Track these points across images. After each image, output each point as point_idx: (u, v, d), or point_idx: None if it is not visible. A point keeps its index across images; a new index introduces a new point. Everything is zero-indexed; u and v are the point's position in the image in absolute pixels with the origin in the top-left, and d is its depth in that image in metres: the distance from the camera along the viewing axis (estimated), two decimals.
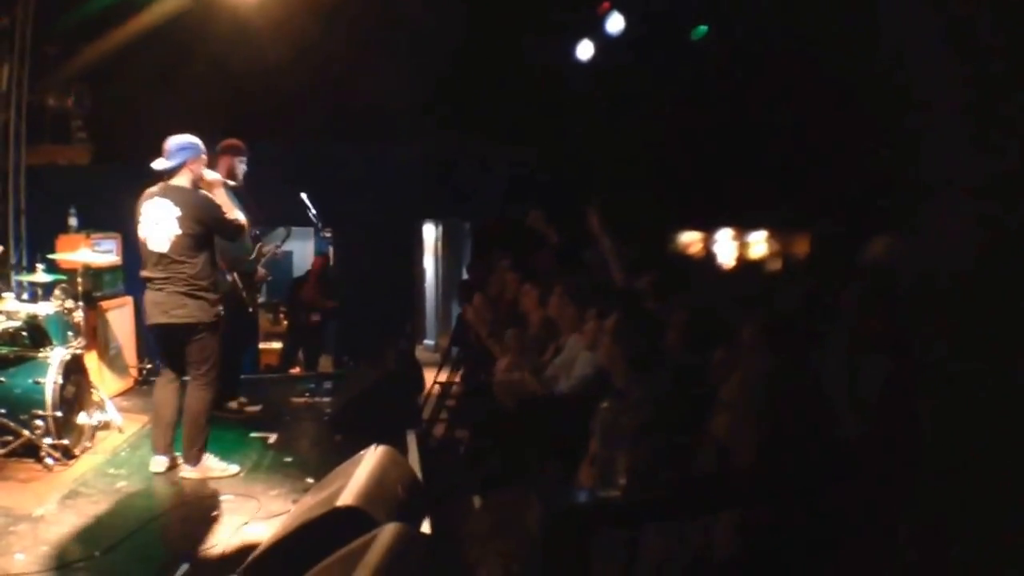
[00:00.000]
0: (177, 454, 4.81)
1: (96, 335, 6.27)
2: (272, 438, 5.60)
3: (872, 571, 2.31)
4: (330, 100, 8.88)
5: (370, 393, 5.92)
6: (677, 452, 3.05)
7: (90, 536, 3.89)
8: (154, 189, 4.71)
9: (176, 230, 4.62)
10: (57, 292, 5.50)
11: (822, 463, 2.39)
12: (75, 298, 5.74)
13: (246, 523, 4.08)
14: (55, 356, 4.92)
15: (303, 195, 6.88)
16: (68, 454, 4.81)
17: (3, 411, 4.73)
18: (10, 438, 4.71)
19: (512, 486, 4.05)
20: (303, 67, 8.20)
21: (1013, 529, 2.15)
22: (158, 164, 4.69)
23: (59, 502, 4.27)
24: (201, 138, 4.91)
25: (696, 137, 7.33)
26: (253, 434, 5.67)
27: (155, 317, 4.68)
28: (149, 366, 6.80)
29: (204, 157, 4.80)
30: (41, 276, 5.54)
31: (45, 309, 5.26)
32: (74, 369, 5.04)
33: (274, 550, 3.16)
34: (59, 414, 4.74)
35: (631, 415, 3.32)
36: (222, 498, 4.46)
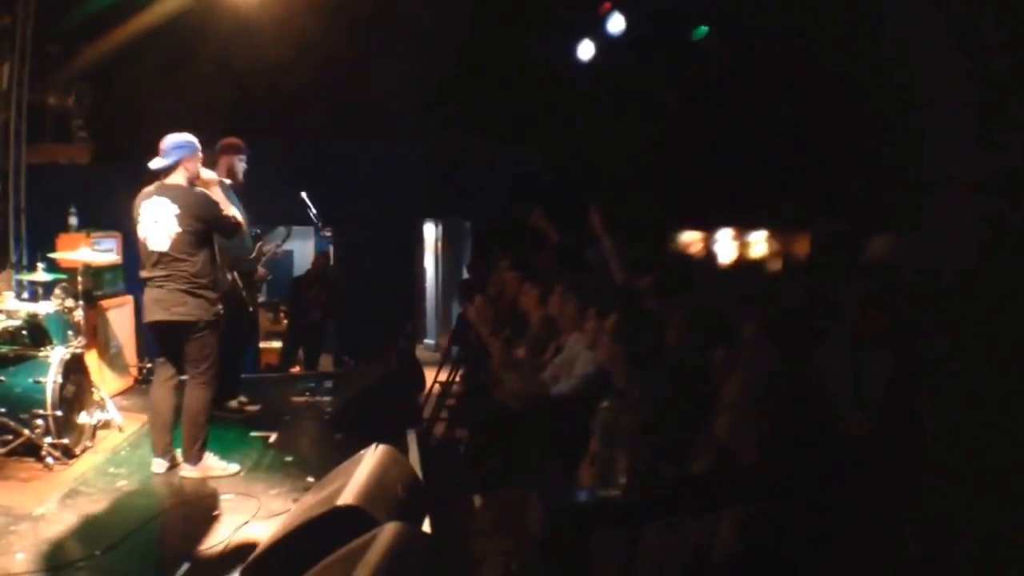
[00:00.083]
0: (177, 451, 4.80)
1: (96, 334, 6.27)
2: (272, 437, 5.59)
3: (875, 568, 2.30)
4: (332, 99, 8.89)
5: (370, 392, 5.92)
6: (677, 451, 3.04)
7: (90, 535, 3.88)
8: (150, 188, 4.71)
9: (176, 228, 4.61)
10: (57, 291, 5.49)
11: (824, 460, 2.39)
12: (75, 297, 5.73)
13: (246, 522, 4.07)
14: (55, 355, 4.92)
15: (303, 194, 6.87)
16: (68, 453, 4.81)
17: (3, 410, 4.72)
18: (10, 437, 4.71)
19: (512, 485, 4.05)
20: (305, 66, 8.21)
21: (1016, 526, 2.15)
22: (154, 163, 4.69)
23: (59, 501, 4.26)
24: (202, 137, 4.90)
25: (697, 137, 7.32)
26: (253, 433, 5.66)
27: (154, 314, 4.67)
28: (149, 365, 6.79)
29: (200, 155, 4.80)
30: (41, 275, 5.54)
31: (45, 308, 5.26)
32: (74, 368, 5.04)
33: (274, 549, 3.15)
34: (59, 413, 4.73)
35: (631, 414, 3.32)
36: (222, 497, 4.45)
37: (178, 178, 4.70)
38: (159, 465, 4.75)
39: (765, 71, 6.38)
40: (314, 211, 6.94)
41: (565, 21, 8.13)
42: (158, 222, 4.62)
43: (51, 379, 4.77)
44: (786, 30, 6.05)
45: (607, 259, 5.25)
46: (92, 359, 5.89)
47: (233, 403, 6.04)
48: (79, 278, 5.96)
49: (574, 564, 2.40)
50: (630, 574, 2.78)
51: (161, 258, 4.63)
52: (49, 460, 4.68)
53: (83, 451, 4.98)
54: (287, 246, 6.99)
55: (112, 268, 6.84)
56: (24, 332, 5.14)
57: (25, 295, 5.66)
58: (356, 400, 5.97)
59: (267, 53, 7.93)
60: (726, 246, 7.86)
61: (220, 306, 4.80)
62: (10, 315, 5.12)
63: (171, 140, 4.71)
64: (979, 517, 2.21)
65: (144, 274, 4.72)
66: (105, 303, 6.55)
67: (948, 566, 2.22)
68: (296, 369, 9.45)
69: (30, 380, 4.79)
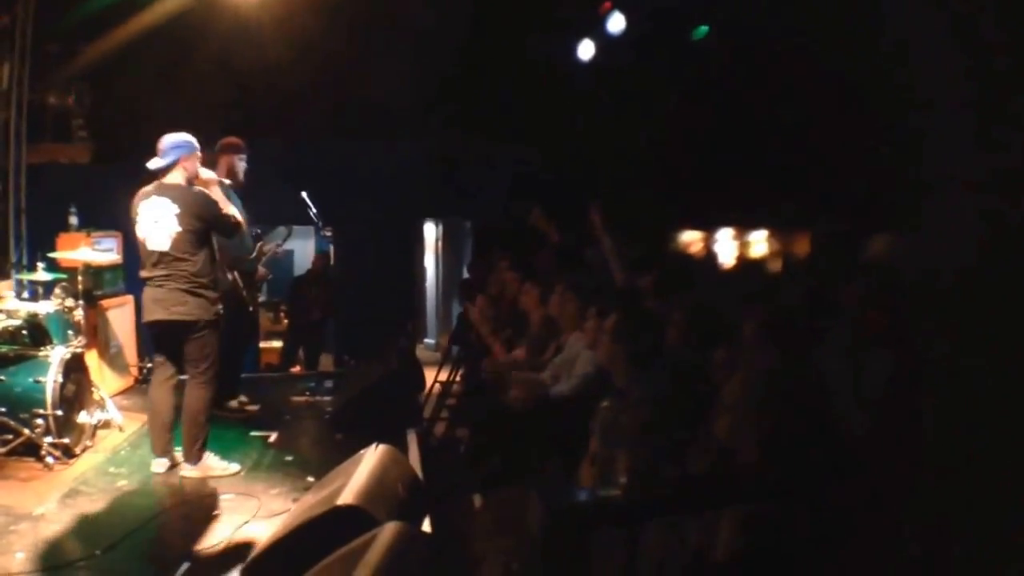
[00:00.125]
0: (177, 451, 4.80)
1: (96, 334, 6.26)
2: (273, 437, 5.59)
3: (875, 568, 2.30)
4: (332, 98, 8.89)
5: (371, 392, 5.91)
6: (677, 451, 3.04)
7: (91, 535, 3.88)
8: (149, 188, 4.71)
9: (176, 227, 4.61)
10: (57, 291, 5.49)
11: (824, 460, 2.39)
12: (75, 297, 5.73)
13: (246, 522, 4.07)
14: (55, 355, 4.92)
15: (304, 194, 6.87)
16: (68, 453, 4.81)
17: (3, 410, 4.72)
18: (10, 437, 4.70)
19: (512, 485, 4.05)
20: (305, 65, 8.21)
21: (1015, 525, 2.15)
22: (153, 163, 4.69)
23: (59, 501, 4.26)
24: (202, 136, 4.90)
25: (697, 136, 7.32)
26: (253, 433, 5.66)
27: (154, 313, 4.67)
28: (149, 365, 6.79)
29: (198, 154, 4.79)
30: (41, 275, 5.54)
31: (45, 308, 5.26)
32: (74, 368, 5.04)
33: (274, 549, 3.15)
34: (59, 413, 4.73)
35: (631, 414, 3.32)
36: (222, 497, 4.45)
37: (177, 177, 4.70)
38: (159, 465, 4.75)
39: (765, 71, 6.38)
40: (314, 210, 6.94)
41: (565, 21, 8.13)
42: (158, 222, 4.62)
43: (51, 379, 4.76)
44: (786, 30, 6.05)
45: (607, 259, 5.25)
46: (92, 359, 5.89)
47: (233, 403, 6.04)
48: (79, 278, 5.95)
49: (574, 564, 2.40)
50: (630, 574, 2.78)
51: (161, 258, 4.63)
52: (49, 460, 4.68)
53: (83, 451, 4.98)
54: (287, 246, 6.99)
55: (112, 268, 6.84)
56: (24, 332, 5.14)
57: (25, 295, 5.66)
58: (356, 400, 5.97)
59: (267, 53, 7.93)
60: (726, 246, 7.87)
61: (220, 306, 4.80)
62: (10, 315, 5.11)
63: (169, 140, 4.71)
64: (979, 517, 2.21)
65: (144, 274, 4.72)
66: (105, 303, 6.55)
67: (948, 566, 2.22)
68: (296, 369, 9.45)
69: (30, 380, 4.79)
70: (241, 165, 5.90)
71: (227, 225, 4.85)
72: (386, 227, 9.44)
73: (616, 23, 7.59)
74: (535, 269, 6.38)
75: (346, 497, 3.05)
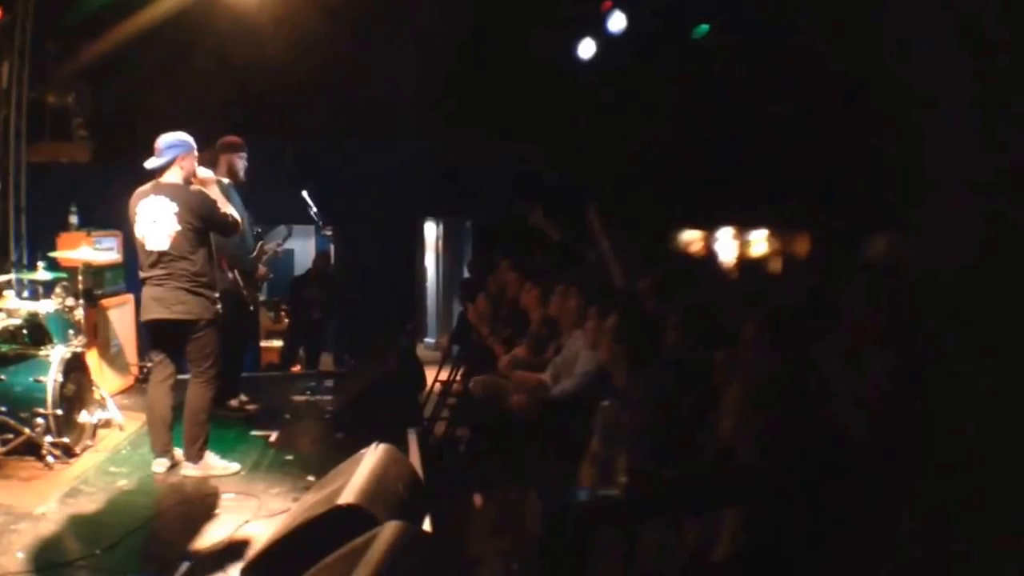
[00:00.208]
0: (177, 450, 4.80)
1: (97, 333, 6.26)
2: (273, 436, 5.59)
3: (875, 568, 2.30)
4: (333, 97, 8.88)
5: (371, 391, 5.91)
6: (677, 451, 3.04)
7: (91, 534, 3.87)
8: (146, 187, 4.70)
9: (175, 226, 4.60)
10: (58, 290, 5.49)
11: (824, 460, 2.38)
12: (76, 296, 5.73)
13: (247, 521, 4.07)
14: (56, 354, 4.91)
15: (304, 193, 6.87)
16: (69, 452, 4.80)
17: (4, 409, 4.72)
18: (11, 436, 4.70)
19: (512, 485, 4.05)
20: (306, 64, 8.21)
21: (1016, 525, 2.14)
22: (150, 163, 4.69)
23: (60, 500, 4.26)
24: (203, 135, 4.89)
25: (697, 135, 7.32)
26: (254, 432, 5.66)
27: (154, 312, 4.66)
28: (150, 364, 6.80)
29: (195, 154, 4.79)
30: (42, 274, 5.53)
31: (46, 307, 5.25)
32: (75, 367, 5.03)
33: (275, 548, 3.15)
34: (60, 412, 4.73)
35: (632, 414, 3.32)
36: (223, 496, 4.45)
37: (174, 176, 4.70)
38: (159, 464, 4.74)
39: (766, 69, 6.37)
40: (315, 210, 6.94)
41: (566, 19, 8.13)
42: (157, 221, 4.61)
43: (52, 378, 4.76)
44: (787, 28, 6.04)
45: (606, 260, 5.25)
46: (93, 358, 5.88)
47: (233, 402, 6.04)
48: (80, 277, 5.95)
49: (574, 564, 2.40)
50: (629, 573, 2.78)
51: (161, 257, 4.62)
52: (50, 459, 4.68)
53: (84, 450, 4.97)
54: (288, 245, 6.99)
55: (113, 267, 6.84)
56: (24, 331, 5.14)
57: (25, 294, 5.65)
58: (357, 399, 5.97)
59: (267, 51, 7.92)
60: (727, 245, 7.87)
61: (219, 305, 4.80)
62: (10, 314, 5.11)
63: (166, 139, 4.70)
64: (979, 517, 2.21)
65: (143, 274, 4.71)
66: (106, 302, 6.55)
67: (948, 566, 2.21)
68: (297, 368, 9.45)
69: (30, 379, 4.79)
70: (241, 163, 5.89)
71: (225, 224, 4.84)
72: (387, 226, 9.44)
73: (617, 22, 7.59)
74: (534, 268, 6.38)
75: (347, 496, 3.05)
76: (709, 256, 7.86)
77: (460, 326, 7.60)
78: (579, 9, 7.99)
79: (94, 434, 5.16)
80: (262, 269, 6.15)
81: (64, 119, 8.48)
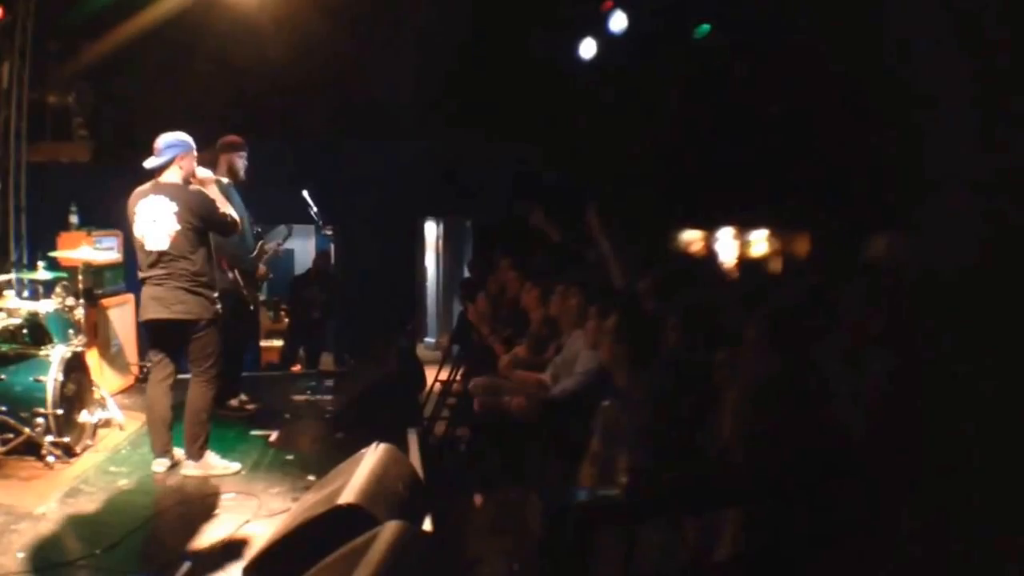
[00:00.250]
0: (177, 450, 4.80)
1: (97, 333, 6.26)
2: (273, 436, 5.59)
3: (876, 567, 2.30)
4: (333, 98, 8.88)
5: (371, 391, 5.91)
6: (678, 451, 3.04)
7: (91, 534, 3.87)
8: (145, 187, 4.70)
9: (175, 226, 4.60)
10: (58, 290, 5.49)
11: (825, 459, 2.38)
12: (76, 296, 5.73)
13: (247, 521, 4.07)
14: (56, 354, 4.91)
15: (304, 192, 6.87)
16: (69, 452, 4.80)
17: (4, 409, 4.72)
18: (11, 436, 4.70)
19: (512, 485, 4.05)
20: (305, 65, 8.21)
21: (1016, 525, 2.14)
22: (149, 162, 4.69)
23: (60, 500, 4.26)
24: (203, 135, 4.89)
25: (698, 135, 7.32)
26: (254, 432, 5.66)
27: (154, 312, 4.66)
28: (150, 364, 6.80)
29: (194, 154, 4.78)
30: (42, 274, 5.53)
31: (46, 307, 5.25)
32: (75, 367, 5.03)
33: (275, 548, 3.15)
34: (60, 412, 4.73)
35: (632, 414, 3.32)
36: (223, 496, 4.45)
37: (173, 176, 4.70)
38: (160, 464, 4.74)
39: (767, 69, 6.37)
40: (315, 209, 6.94)
41: (568, 18, 8.13)
42: (156, 221, 4.61)
43: (52, 377, 4.76)
44: (788, 29, 6.04)
45: (606, 261, 5.25)
46: (93, 357, 5.89)
47: (234, 402, 6.04)
48: (80, 276, 5.95)
49: (574, 564, 2.40)
50: (630, 574, 2.78)
51: (160, 257, 4.62)
52: (50, 459, 4.68)
53: (84, 450, 4.97)
54: (288, 245, 6.99)
55: (113, 266, 6.84)
56: (25, 331, 5.14)
57: (26, 294, 5.65)
58: (357, 399, 5.97)
59: (267, 52, 7.93)
60: (727, 245, 7.87)
61: (219, 304, 4.80)
62: (11, 314, 5.11)
63: (165, 139, 4.70)
64: (979, 517, 2.21)
65: (142, 274, 4.71)
66: (106, 301, 6.55)
67: (948, 566, 2.21)
68: (297, 368, 9.45)
69: (31, 379, 4.79)
70: (241, 163, 5.89)
71: (224, 224, 4.84)
72: (387, 226, 9.43)
73: (618, 22, 7.59)
74: (533, 268, 6.38)
75: (347, 496, 3.05)
76: (709, 256, 7.86)
77: (460, 325, 7.60)
78: (579, 9, 7.99)
79: (94, 434, 5.16)
80: (262, 269, 6.15)
81: (64, 119, 8.49)
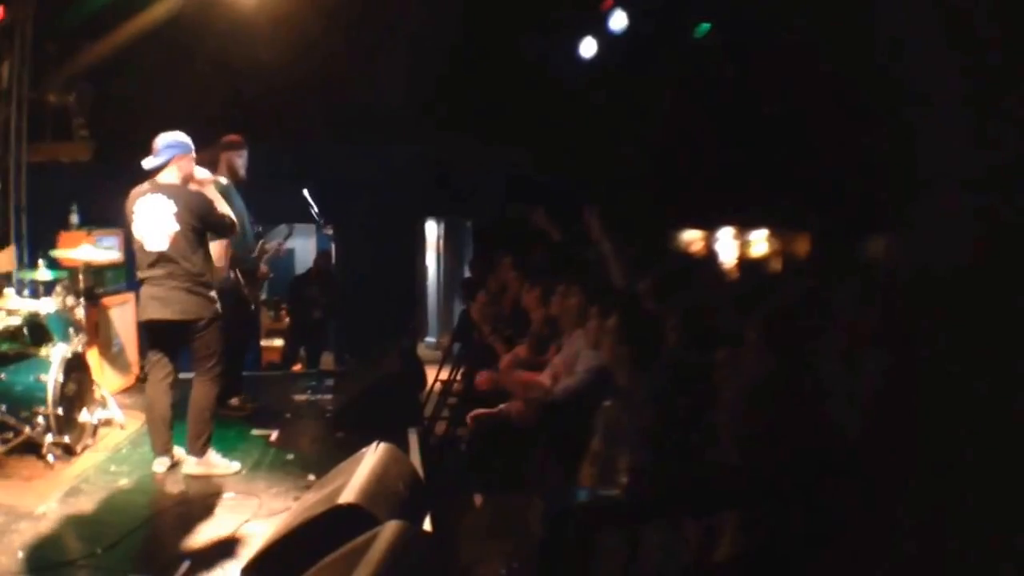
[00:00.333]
0: (177, 449, 4.81)
1: (98, 332, 6.27)
2: (273, 435, 5.59)
3: (873, 566, 2.30)
4: (327, 101, 8.87)
5: (372, 390, 5.92)
6: (679, 451, 3.04)
7: (91, 533, 3.88)
8: (144, 187, 4.70)
9: (174, 226, 4.61)
10: (59, 289, 5.49)
11: (821, 459, 2.39)
12: (77, 295, 5.73)
13: (247, 521, 4.08)
14: (56, 353, 4.92)
15: (305, 192, 6.87)
16: (69, 451, 4.81)
17: (4, 408, 4.72)
18: (11, 435, 4.71)
19: (513, 485, 4.05)
20: (301, 67, 8.20)
21: (1011, 524, 2.15)
22: (147, 162, 4.69)
23: (60, 500, 4.27)
24: (203, 135, 4.89)
25: (698, 134, 7.32)
26: (254, 431, 5.67)
27: (155, 312, 4.66)
28: (149, 363, 6.80)
29: (193, 155, 4.79)
30: (43, 273, 5.54)
31: (46, 306, 5.26)
32: (75, 366, 5.04)
33: (275, 548, 3.16)
34: (60, 411, 4.74)
35: (634, 414, 3.32)
36: (223, 496, 4.45)
37: (171, 176, 4.70)
38: (160, 464, 4.75)
39: (767, 69, 6.36)
40: (315, 208, 6.94)
41: (561, 19, 8.12)
42: (155, 221, 4.62)
43: (52, 377, 4.77)
44: (788, 28, 6.03)
45: (607, 261, 5.25)
46: (93, 357, 5.89)
47: (234, 401, 6.04)
48: (80, 276, 5.96)
49: (574, 564, 2.40)
50: (630, 574, 2.78)
51: (160, 257, 4.62)
52: (50, 458, 4.68)
53: (84, 449, 4.98)
54: (288, 244, 7.00)
55: (114, 266, 6.85)
56: (25, 330, 5.14)
57: (26, 293, 5.66)
58: (357, 398, 5.98)
59: (263, 54, 7.92)
60: (727, 245, 7.86)
61: (219, 303, 4.80)
62: (11, 313, 5.12)
63: (163, 139, 4.71)
64: (974, 516, 2.21)
65: (141, 274, 4.72)
66: (107, 301, 6.55)
67: (943, 565, 2.21)
68: (297, 367, 9.45)
69: (31, 378, 4.79)
70: (240, 161, 5.90)
71: (222, 225, 4.85)
72: (387, 226, 9.44)
73: (618, 21, 7.58)
74: (531, 267, 6.39)
75: (347, 496, 3.05)
76: (709, 256, 7.86)
77: (462, 324, 7.59)
78: (575, 11, 7.98)
79: (95, 433, 5.16)
80: (263, 268, 6.16)
81: (65, 119, 8.48)
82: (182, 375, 4.91)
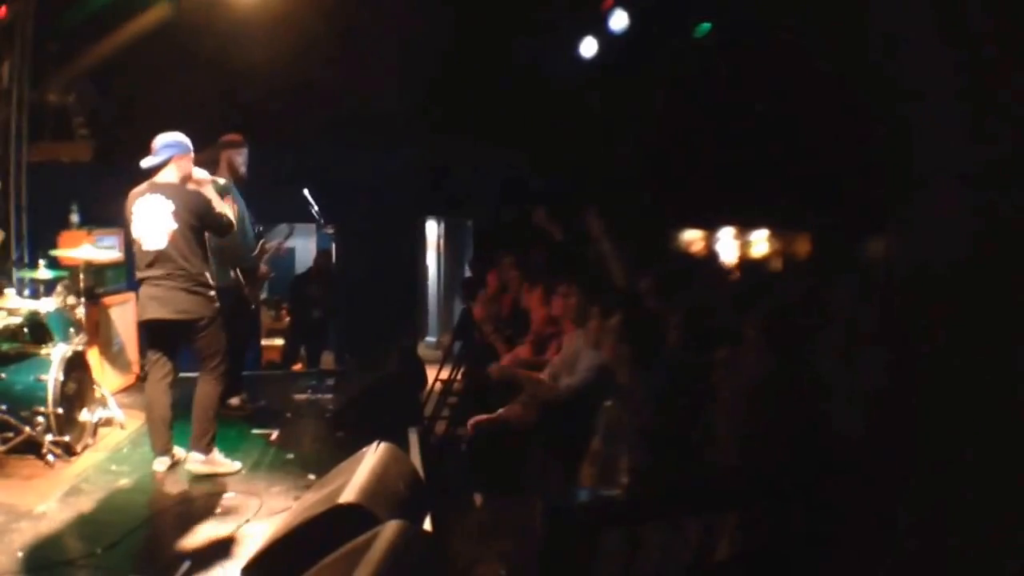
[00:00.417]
0: (177, 448, 4.81)
1: (98, 331, 6.27)
2: (274, 435, 5.59)
3: (873, 564, 2.30)
4: (328, 102, 8.87)
5: (372, 390, 5.92)
6: (679, 451, 3.04)
7: (91, 533, 3.88)
8: (142, 187, 4.71)
9: (173, 225, 4.61)
10: (59, 288, 5.49)
11: (821, 459, 2.39)
12: (77, 294, 5.73)
13: (248, 520, 4.08)
14: (57, 352, 4.92)
15: (305, 191, 6.87)
16: (70, 451, 4.81)
17: (4, 407, 4.72)
18: (11, 435, 4.71)
19: (513, 485, 4.06)
20: (299, 68, 8.20)
21: (1011, 520, 2.14)
22: (145, 162, 4.70)
23: (60, 499, 4.27)
24: (201, 136, 4.89)
25: (698, 134, 7.31)
26: (255, 431, 5.66)
27: (155, 312, 4.66)
28: (148, 363, 6.80)
29: (191, 155, 4.79)
30: (43, 272, 5.54)
31: (47, 306, 5.26)
32: (76, 365, 5.04)
33: (276, 547, 3.15)
34: (60, 411, 4.74)
35: (634, 414, 3.32)
36: (224, 495, 4.45)
37: (170, 176, 4.70)
38: (160, 463, 4.75)
39: (768, 68, 6.36)
40: (316, 208, 6.94)
41: (556, 21, 8.12)
42: (154, 220, 4.62)
43: (52, 376, 4.77)
44: (788, 27, 6.02)
45: (607, 262, 5.26)
46: (94, 356, 5.89)
47: (235, 401, 6.04)
48: (81, 275, 5.95)
49: (575, 564, 2.40)
50: (630, 574, 2.78)
51: (158, 257, 4.62)
52: (50, 458, 4.69)
53: (84, 449, 4.98)
54: (289, 243, 6.99)
55: (114, 265, 6.85)
56: (25, 329, 5.15)
57: (27, 292, 5.66)
58: (358, 398, 5.98)
59: (261, 56, 7.92)
60: (727, 245, 7.86)
61: (218, 302, 4.81)
62: (12, 312, 5.12)
63: (162, 139, 4.72)
64: (974, 512, 2.21)
65: (140, 274, 4.72)
66: (107, 300, 6.55)
67: (944, 561, 2.21)
68: (298, 367, 9.45)
69: (31, 377, 4.79)
70: (241, 160, 5.90)
71: (220, 225, 4.85)
72: (388, 225, 9.43)
73: (619, 20, 7.58)
74: (535, 268, 6.39)
75: (348, 495, 3.05)
76: (710, 256, 7.86)
77: (463, 323, 7.59)
78: (575, 11, 7.98)
79: (95, 433, 5.17)
80: (263, 268, 6.16)
81: (65, 118, 8.49)
82: (182, 374, 4.91)
